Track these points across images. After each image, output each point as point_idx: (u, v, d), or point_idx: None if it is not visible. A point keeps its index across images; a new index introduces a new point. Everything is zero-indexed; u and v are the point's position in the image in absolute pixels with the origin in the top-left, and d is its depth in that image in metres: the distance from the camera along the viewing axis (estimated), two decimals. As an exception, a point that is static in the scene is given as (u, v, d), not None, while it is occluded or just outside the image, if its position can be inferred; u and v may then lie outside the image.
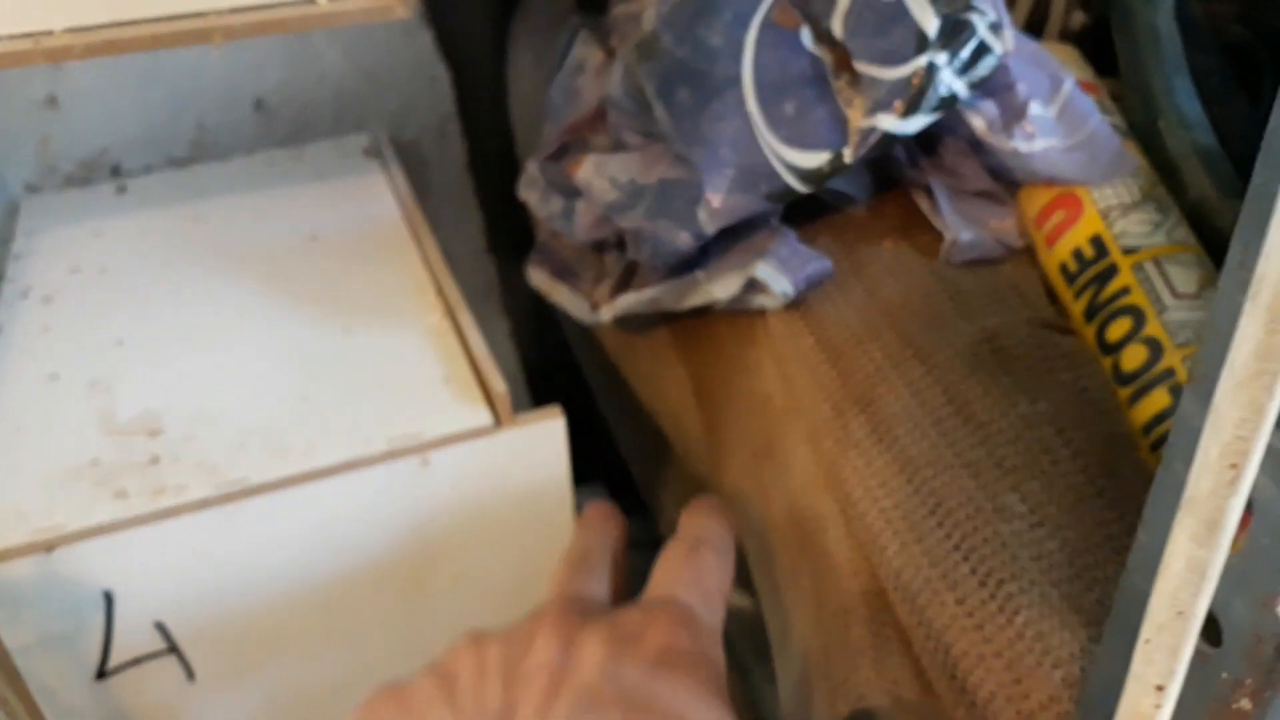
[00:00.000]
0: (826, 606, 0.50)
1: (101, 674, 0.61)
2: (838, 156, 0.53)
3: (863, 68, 0.52)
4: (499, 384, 0.62)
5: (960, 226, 0.55)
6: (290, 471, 0.59)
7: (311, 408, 0.63)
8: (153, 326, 0.70)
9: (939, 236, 0.56)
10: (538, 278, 0.70)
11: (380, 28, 0.89)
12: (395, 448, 0.60)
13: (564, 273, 0.70)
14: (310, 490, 0.59)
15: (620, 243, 0.65)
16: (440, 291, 0.71)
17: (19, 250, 0.77)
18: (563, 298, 0.68)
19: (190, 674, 0.63)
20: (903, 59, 0.50)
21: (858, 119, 0.52)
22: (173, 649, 0.62)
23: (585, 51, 0.69)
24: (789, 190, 0.55)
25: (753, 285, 0.57)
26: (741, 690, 0.77)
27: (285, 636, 0.64)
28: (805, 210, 0.60)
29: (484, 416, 0.61)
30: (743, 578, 0.56)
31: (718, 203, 0.55)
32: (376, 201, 0.81)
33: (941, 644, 0.42)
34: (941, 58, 0.50)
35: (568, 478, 0.65)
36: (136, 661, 0.62)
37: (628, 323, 0.65)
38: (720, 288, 0.58)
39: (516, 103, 0.83)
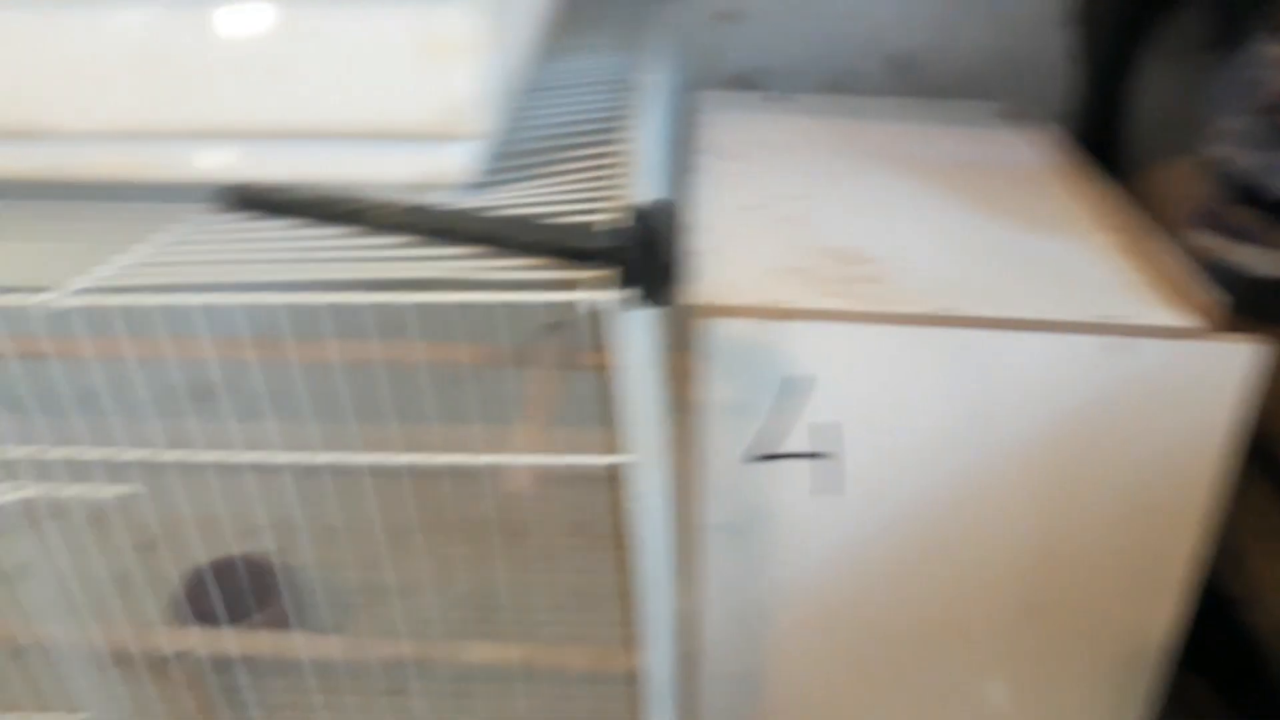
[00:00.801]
0: None
1: (754, 458, 0.67)
2: None
3: None
4: (1205, 293, 0.63)
5: None
6: (1001, 314, 0.62)
7: (1013, 276, 0.67)
8: (834, 191, 0.77)
9: None
10: (1207, 240, 0.72)
11: (1029, 17, 0.95)
12: (1102, 322, 0.62)
13: (1241, 235, 0.71)
14: (1014, 339, 0.62)
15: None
16: (1118, 217, 0.74)
17: (706, 122, 0.88)
18: (1244, 256, 0.70)
19: (820, 488, 0.68)
20: None
21: None
22: (819, 455, 0.67)
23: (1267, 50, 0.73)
24: None
25: None
26: None
27: (935, 473, 0.67)
28: None
29: (1186, 320, 0.63)
30: None
31: None
32: (1020, 150, 0.86)
33: None
34: None
35: (1238, 414, 0.64)
36: (793, 456, 0.67)
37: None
38: None
39: (1143, 107, 0.87)
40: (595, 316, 0.49)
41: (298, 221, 0.58)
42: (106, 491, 0.54)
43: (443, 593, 0.58)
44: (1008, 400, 0.64)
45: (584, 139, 0.67)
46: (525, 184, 0.61)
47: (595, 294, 0.46)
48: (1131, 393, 0.64)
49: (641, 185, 0.60)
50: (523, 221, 0.51)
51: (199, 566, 0.61)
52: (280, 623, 0.67)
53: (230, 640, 0.64)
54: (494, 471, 0.54)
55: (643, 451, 0.54)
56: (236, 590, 0.65)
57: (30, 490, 0.56)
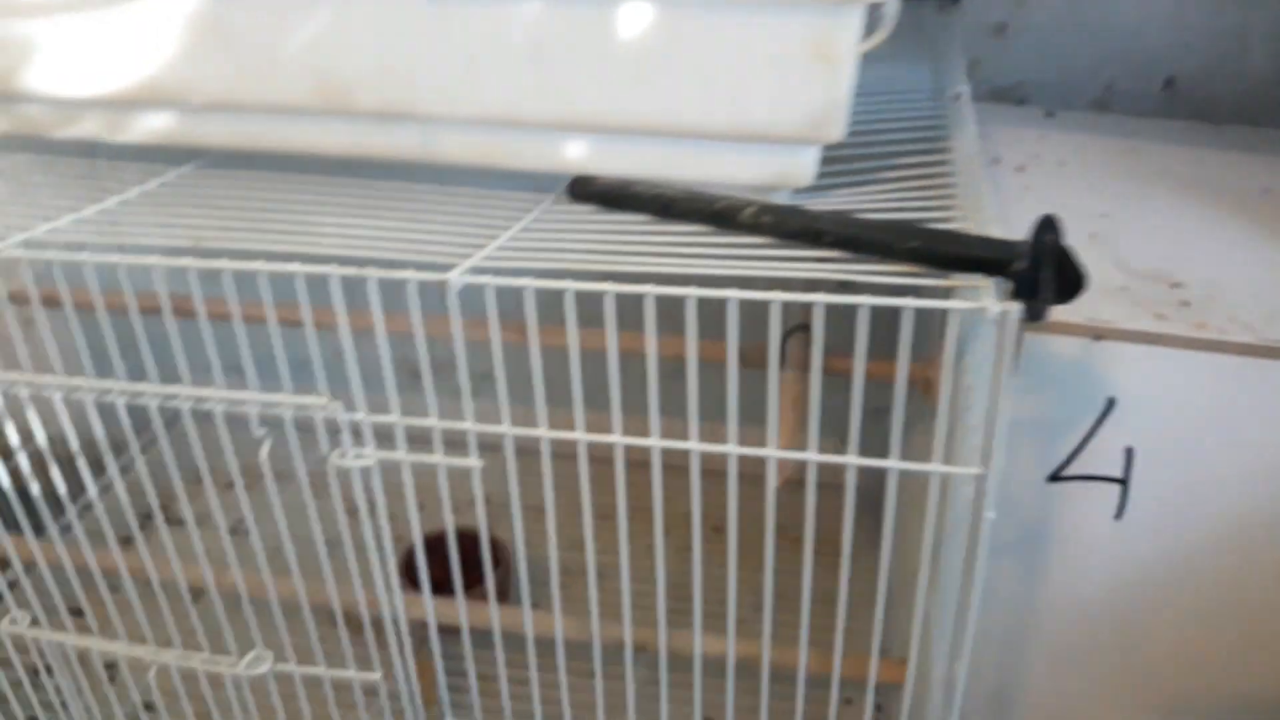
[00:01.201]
0: None
1: (1055, 477, 0.67)
2: None
3: None
4: None
5: None
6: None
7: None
8: (1131, 212, 0.76)
9: None
10: None
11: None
12: None
13: None
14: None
15: None
16: None
17: (983, 135, 0.88)
18: None
19: (1120, 512, 0.67)
20: None
21: None
22: (1124, 480, 0.66)
23: None
24: None
25: None
26: None
27: (1230, 506, 0.66)
28: None
29: None
30: None
31: None
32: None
33: None
34: None
35: None
36: (1088, 478, 0.67)
37: None
38: None
39: None
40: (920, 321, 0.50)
41: (649, 216, 0.60)
42: (443, 461, 0.58)
43: (669, 582, 0.60)
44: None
45: (906, 146, 0.68)
46: (858, 189, 0.62)
47: (1001, 302, 0.46)
48: None
49: (976, 194, 0.61)
50: (903, 227, 0.52)
51: (423, 535, 0.64)
52: (494, 595, 0.70)
53: (444, 608, 0.67)
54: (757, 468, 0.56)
55: (977, 462, 0.55)
56: (452, 560, 0.67)
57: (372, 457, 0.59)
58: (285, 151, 0.64)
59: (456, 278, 0.51)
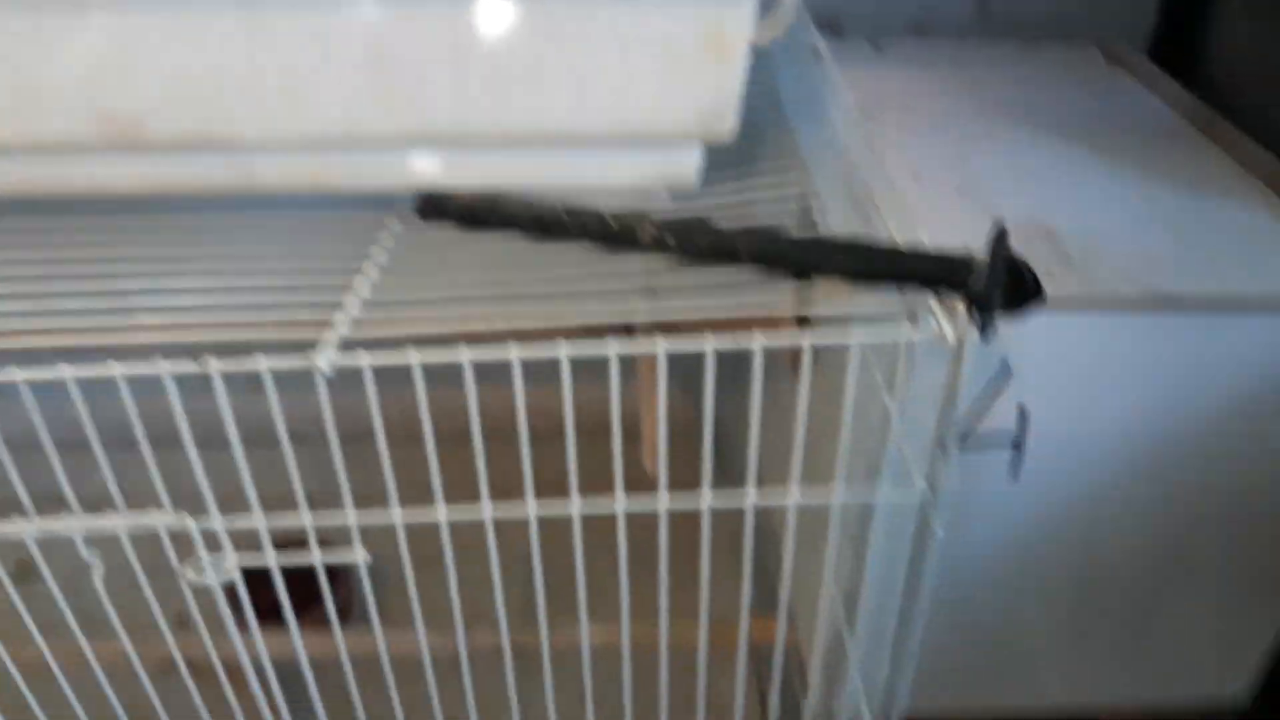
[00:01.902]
0: None
1: (963, 439, 0.65)
2: None
3: None
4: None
5: None
6: (1201, 297, 0.61)
7: (1191, 254, 0.66)
8: (986, 158, 0.74)
9: None
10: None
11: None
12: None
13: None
14: (1216, 321, 0.62)
15: None
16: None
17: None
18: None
19: (1016, 476, 0.67)
20: None
21: None
22: (1018, 445, 0.66)
23: None
24: None
25: None
26: None
27: (1121, 449, 0.67)
28: None
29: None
30: None
31: None
32: (1143, 99, 0.84)
33: None
34: None
35: None
36: (987, 444, 0.65)
37: None
38: None
39: (1222, 42, 0.86)
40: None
41: (523, 236, 0.52)
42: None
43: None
44: (1203, 380, 0.64)
45: (780, 125, 0.62)
46: (731, 184, 0.56)
47: (948, 325, 0.42)
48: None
49: (876, 181, 0.56)
50: (833, 244, 0.47)
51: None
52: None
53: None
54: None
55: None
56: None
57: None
58: (67, 194, 0.52)
59: (325, 362, 0.42)
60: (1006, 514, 0.70)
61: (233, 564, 0.49)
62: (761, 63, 0.69)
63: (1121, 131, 0.79)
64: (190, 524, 0.48)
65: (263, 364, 0.43)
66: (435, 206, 0.54)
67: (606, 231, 0.49)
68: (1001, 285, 0.43)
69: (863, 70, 0.87)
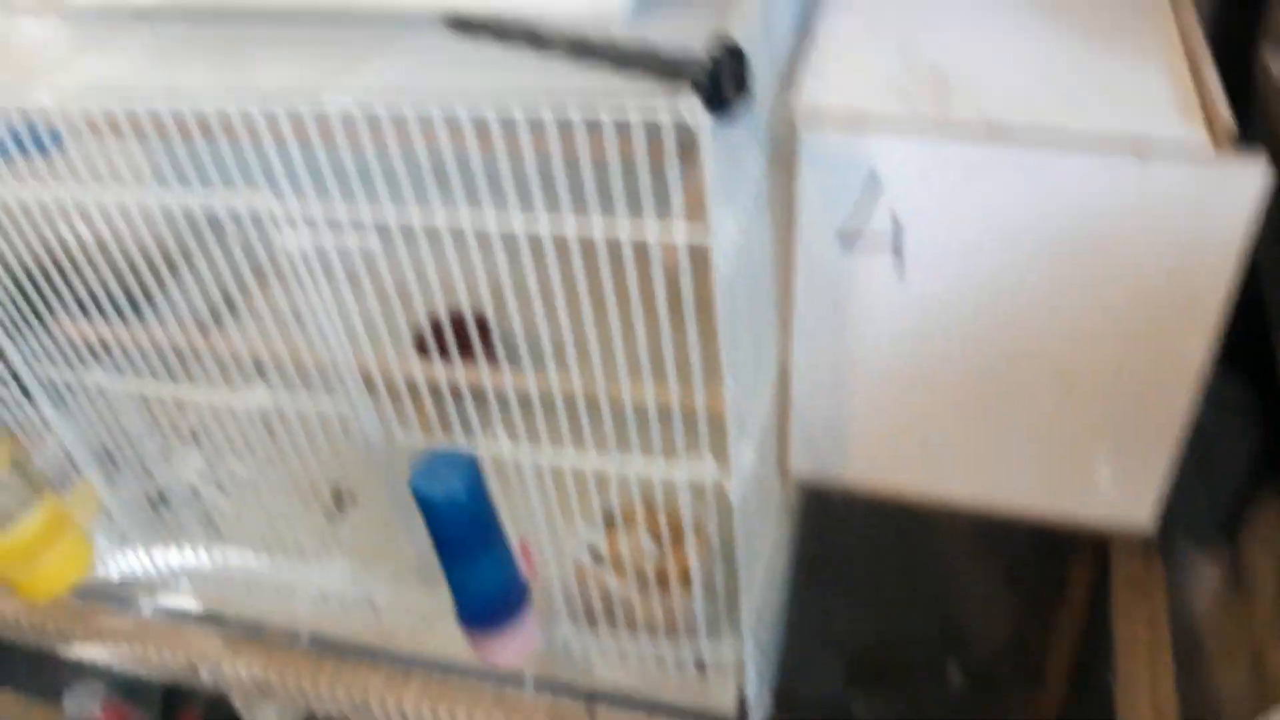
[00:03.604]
0: None
1: (842, 240, 0.85)
2: None
3: None
4: (1224, 113, 0.74)
5: None
6: (1041, 138, 0.76)
7: (1062, 97, 0.79)
8: (939, 15, 0.90)
9: None
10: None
11: None
12: (1114, 139, 0.74)
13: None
14: (1043, 157, 0.76)
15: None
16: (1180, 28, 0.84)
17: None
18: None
19: (901, 275, 0.85)
20: None
21: None
22: (897, 250, 0.84)
23: None
24: None
25: None
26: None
27: (986, 269, 0.83)
28: None
29: (1198, 136, 0.74)
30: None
31: None
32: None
33: None
34: None
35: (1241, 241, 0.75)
36: (866, 246, 0.84)
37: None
38: None
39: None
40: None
41: (487, 40, 0.79)
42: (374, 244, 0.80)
43: (599, 350, 0.79)
44: (1043, 208, 0.78)
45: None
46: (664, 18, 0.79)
47: (681, 107, 0.64)
48: (1152, 205, 0.76)
49: (753, 18, 0.76)
50: (628, 46, 0.70)
51: (432, 315, 0.85)
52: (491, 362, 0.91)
53: (456, 372, 0.89)
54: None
55: (720, 233, 0.73)
56: (461, 335, 0.89)
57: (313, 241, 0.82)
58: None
59: (337, 99, 0.72)
60: (900, 310, 0.88)
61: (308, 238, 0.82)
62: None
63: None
64: (274, 204, 0.80)
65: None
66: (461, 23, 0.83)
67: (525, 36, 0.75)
68: (725, 70, 0.63)
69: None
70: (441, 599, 0.92)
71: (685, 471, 0.81)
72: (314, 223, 0.81)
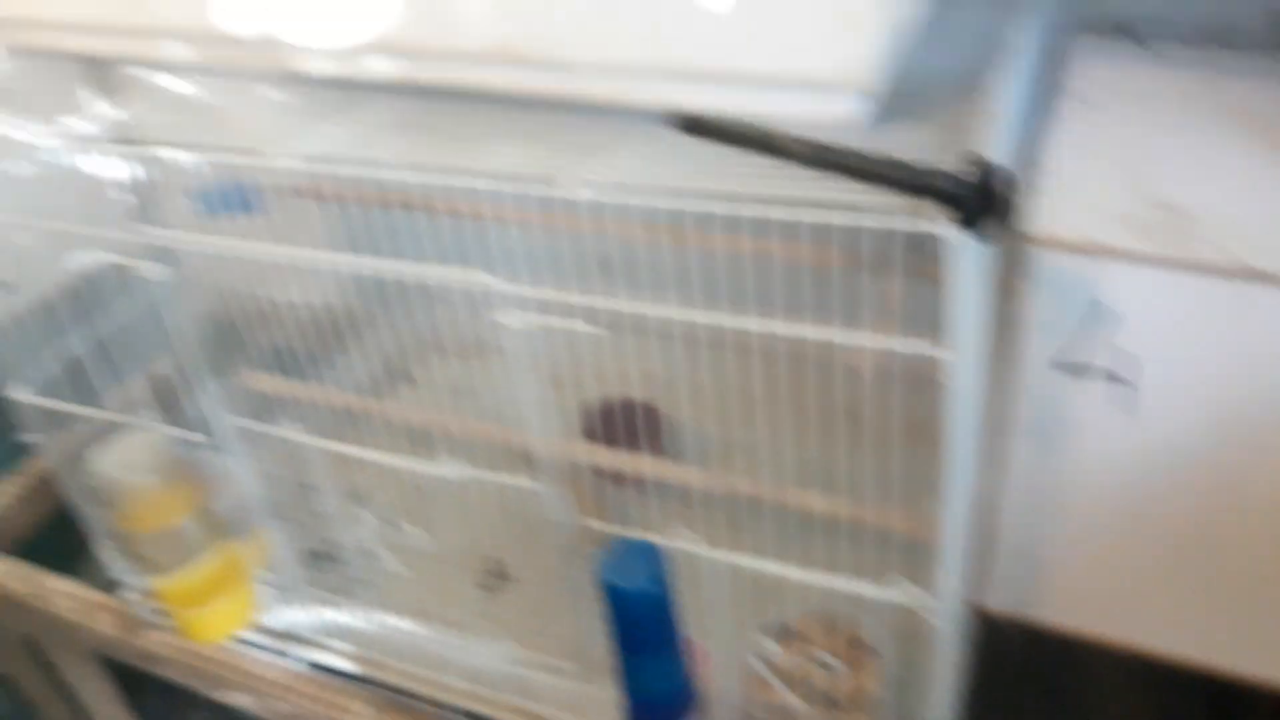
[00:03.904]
0: None
1: (1065, 368, 0.81)
2: None
3: None
4: None
5: None
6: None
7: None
8: (1185, 150, 0.86)
9: None
10: None
11: None
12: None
13: None
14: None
15: None
16: None
17: (1075, 69, 0.99)
18: None
19: (1129, 410, 0.80)
20: None
21: None
22: (1123, 381, 0.79)
23: None
24: None
25: None
26: None
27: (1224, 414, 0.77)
28: None
29: None
30: None
31: None
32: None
33: None
34: None
35: None
36: (1093, 377, 0.80)
37: None
38: None
39: None
40: (934, 240, 0.66)
41: (720, 144, 0.79)
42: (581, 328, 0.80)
43: (779, 453, 0.78)
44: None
45: (952, 88, 0.82)
46: (897, 127, 0.78)
47: (936, 223, 0.62)
48: None
49: (996, 140, 0.75)
50: (883, 159, 0.68)
51: (602, 402, 0.84)
52: (658, 454, 0.91)
53: (621, 459, 0.88)
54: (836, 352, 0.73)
55: (962, 350, 0.71)
56: (629, 424, 0.88)
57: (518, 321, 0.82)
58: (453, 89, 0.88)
59: (573, 190, 0.72)
60: (1125, 447, 0.83)
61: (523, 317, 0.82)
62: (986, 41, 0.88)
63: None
64: (494, 284, 0.81)
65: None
66: (680, 123, 0.83)
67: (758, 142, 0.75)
68: (979, 202, 0.61)
69: (1130, 67, 0.99)
70: (597, 690, 0.90)
71: (886, 593, 0.78)
72: (522, 303, 0.81)
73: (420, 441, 1.01)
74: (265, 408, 1.09)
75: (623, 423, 0.86)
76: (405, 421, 1.02)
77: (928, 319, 0.74)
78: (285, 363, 1.04)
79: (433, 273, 0.82)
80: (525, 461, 0.95)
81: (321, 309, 1.00)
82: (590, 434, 0.90)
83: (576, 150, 0.81)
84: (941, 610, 0.76)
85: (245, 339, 1.04)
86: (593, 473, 0.90)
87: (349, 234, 0.92)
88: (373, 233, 0.89)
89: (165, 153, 0.90)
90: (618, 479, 0.87)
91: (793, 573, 0.80)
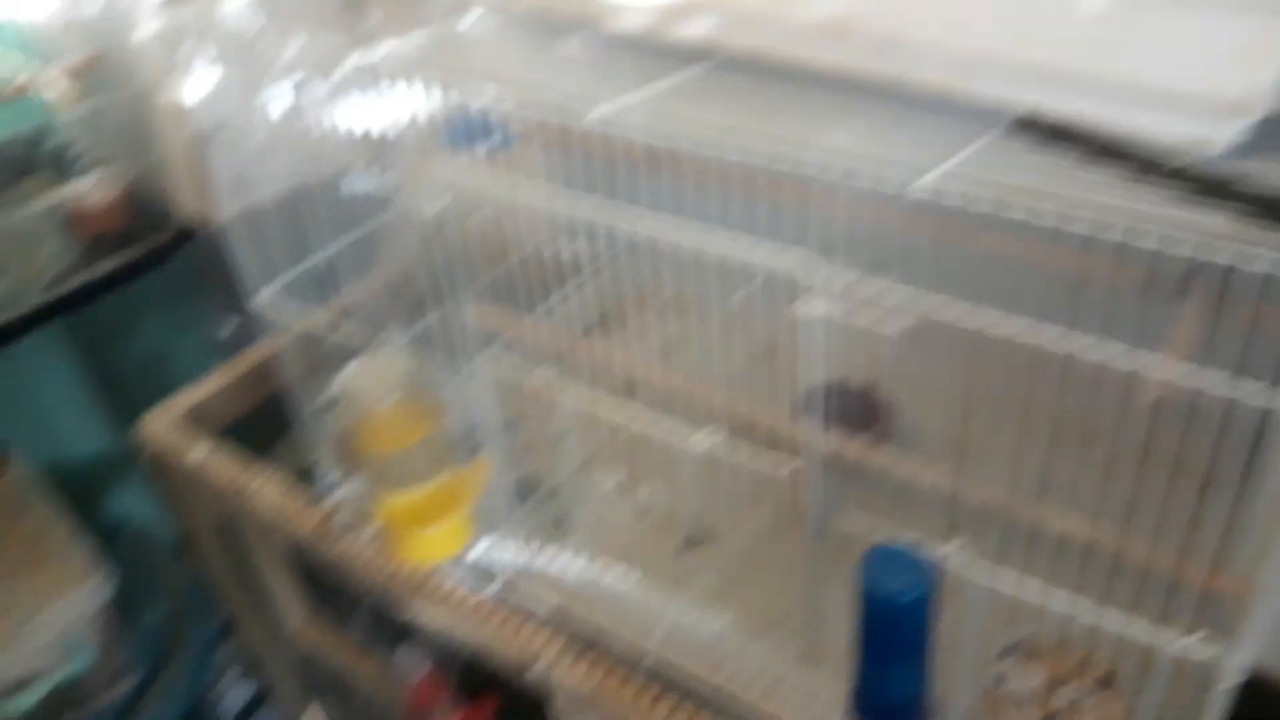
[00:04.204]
0: None
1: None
2: None
3: None
4: None
5: None
6: None
7: None
8: None
9: None
10: None
11: None
12: None
13: None
14: None
15: None
16: None
17: None
18: None
19: None
20: None
21: None
22: None
23: None
24: None
25: None
26: None
27: None
28: None
29: None
30: None
31: None
32: None
33: None
34: None
35: None
36: None
37: None
38: None
39: None
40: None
41: (1073, 157, 0.75)
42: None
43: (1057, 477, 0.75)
44: None
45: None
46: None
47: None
48: None
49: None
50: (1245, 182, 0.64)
51: (826, 381, 0.82)
52: (879, 441, 0.88)
53: (837, 443, 0.86)
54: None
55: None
56: (851, 408, 0.86)
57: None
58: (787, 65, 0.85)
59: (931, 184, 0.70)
60: None
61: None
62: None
63: None
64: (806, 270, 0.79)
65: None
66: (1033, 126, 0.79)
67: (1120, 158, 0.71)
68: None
69: None
70: (787, 657, 0.90)
71: (1179, 643, 0.75)
72: (829, 291, 0.79)
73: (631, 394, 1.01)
74: (490, 341, 1.10)
75: (843, 404, 0.84)
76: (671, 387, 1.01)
77: (1233, 359, 0.71)
78: (522, 301, 1.04)
79: (743, 250, 0.81)
80: (771, 442, 0.94)
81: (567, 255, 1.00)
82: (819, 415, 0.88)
83: (908, 143, 0.78)
84: (1235, 669, 0.74)
85: (496, 273, 1.04)
86: (853, 468, 0.89)
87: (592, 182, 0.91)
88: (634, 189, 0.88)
89: (474, 87, 0.90)
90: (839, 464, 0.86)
91: (1079, 611, 0.78)
